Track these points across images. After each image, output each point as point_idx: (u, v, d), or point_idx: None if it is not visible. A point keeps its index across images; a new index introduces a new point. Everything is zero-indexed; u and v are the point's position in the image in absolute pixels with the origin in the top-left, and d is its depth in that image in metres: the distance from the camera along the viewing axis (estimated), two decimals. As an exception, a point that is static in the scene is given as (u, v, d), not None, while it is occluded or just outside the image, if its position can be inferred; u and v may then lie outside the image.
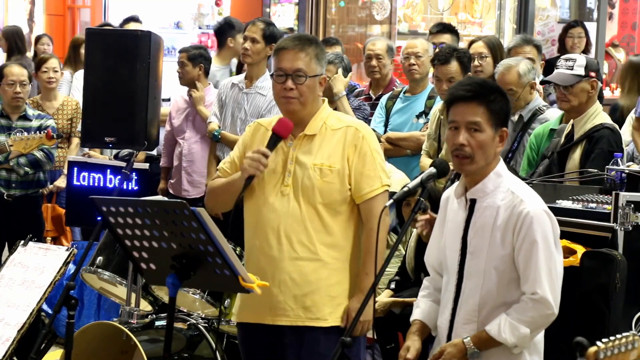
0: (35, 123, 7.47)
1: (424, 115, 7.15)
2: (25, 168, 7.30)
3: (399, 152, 7.29)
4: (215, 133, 7.27)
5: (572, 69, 5.55)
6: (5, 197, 7.29)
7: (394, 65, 8.12)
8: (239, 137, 7.11)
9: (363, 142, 4.29)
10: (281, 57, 4.29)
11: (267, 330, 4.34)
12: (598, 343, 2.32)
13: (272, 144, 4.24)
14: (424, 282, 4.19)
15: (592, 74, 5.55)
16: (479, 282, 3.86)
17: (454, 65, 6.51)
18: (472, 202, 3.91)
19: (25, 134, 6.89)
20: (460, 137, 3.83)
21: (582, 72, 5.54)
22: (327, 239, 4.28)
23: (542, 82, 5.84)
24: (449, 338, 3.97)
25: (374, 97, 7.76)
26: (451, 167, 5.60)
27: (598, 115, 5.60)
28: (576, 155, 5.51)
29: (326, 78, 4.36)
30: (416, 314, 4.11)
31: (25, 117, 7.45)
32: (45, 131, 6.89)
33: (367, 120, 7.22)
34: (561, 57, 5.86)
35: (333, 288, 4.31)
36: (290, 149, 4.31)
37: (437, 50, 7.24)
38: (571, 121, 5.72)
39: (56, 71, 8.34)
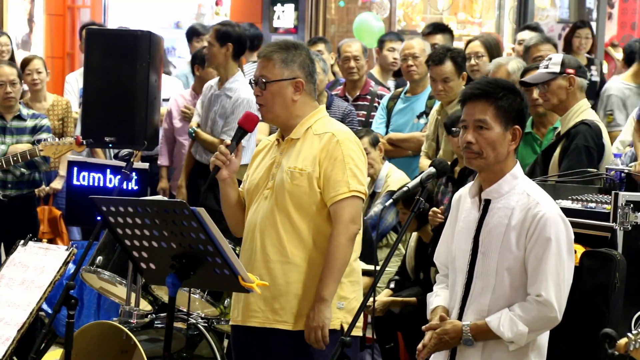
0: (30, 123, 7.46)
1: (424, 115, 7.15)
2: (22, 169, 7.30)
3: (400, 153, 7.30)
4: (190, 131, 7.29)
5: (547, 68, 5.56)
6: (1, 197, 7.30)
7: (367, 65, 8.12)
8: (210, 137, 7.18)
9: (336, 146, 4.26)
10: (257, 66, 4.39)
11: (243, 331, 4.36)
12: (628, 334, 2.37)
13: (236, 135, 4.27)
14: (438, 277, 4.20)
15: (570, 70, 5.53)
16: (491, 282, 3.86)
17: (448, 66, 6.52)
18: (486, 203, 3.92)
19: (57, 139, 6.86)
20: (468, 135, 3.85)
21: (557, 69, 5.53)
22: (298, 242, 4.27)
23: (520, 83, 5.82)
24: None
25: (350, 99, 7.75)
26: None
27: (582, 113, 5.56)
28: (556, 152, 5.52)
29: (303, 82, 4.31)
30: (437, 302, 4.09)
31: (20, 117, 7.45)
32: (75, 137, 6.85)
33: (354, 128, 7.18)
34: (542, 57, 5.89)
35: (303, 292, 4.28)
36: (278, 154, 4.34)
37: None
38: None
39: (40, 72, 8.22)
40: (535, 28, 8.59)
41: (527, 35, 8.07)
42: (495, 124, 3.85)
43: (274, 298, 4.27)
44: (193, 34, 9.67)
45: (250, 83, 4.39)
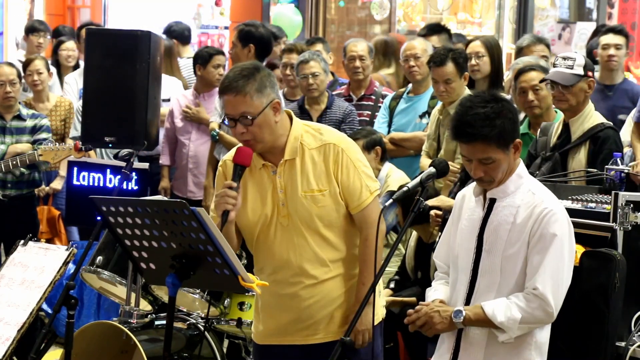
0: (29, 123, 7.47)
1: (427, 115, 7.15)
2: (21, 169, 7.31)
3: (402, 153, 7.30)
4: (214, 133, 7.28)
5: (572, 68, 5.51)
6: (1, 197, 7.30)
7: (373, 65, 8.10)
8: (235, 139, 7.17)
9: (343, 155, 4.22)
10: (225, 103, 4.18)
11: (298, 350, 4.34)
12: None
13: (237, 175, 4.14)
14: (437, 274, 4.22)
15: (590, 73, 5.55)
16: (496, 280, 3.90)
17: (449, 67, 6.51)
18: (491, 202, 3.94)
19: (56, 144, 6.87)
20: (477, 171, 3.88)
21: (581, 71, 5.51)
22: (335, 255, 4.28)
23: (540, 81, 5.81)
24: (458, 335, 4.00)
25: (355, 98, 7.76)
26: (451, 167, 5.63)
27: (593, 115, 5.58)
28: (581, 156, 5.49)
29: (279, 102, 4.19)
30: (436, 295, 4.11)
31: (19, 117, 7.46)
32: (74, 143, 6.85)
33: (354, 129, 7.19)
34: (558, 55, 5.82)
35: (353, 297, 4.30)
36: (276, 177, 4.25)
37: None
38: (560, 120, 5.71)
39: (40, 73, 8.21)
40: (621, 31, 8.23)
41: (612, 39, 7.70)
42: (498, 154, 3.86)
43: (334, 311, 4.29)
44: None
45: (223, 122, 4.27)
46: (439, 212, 5.82)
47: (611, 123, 5.64)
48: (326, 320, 4.29)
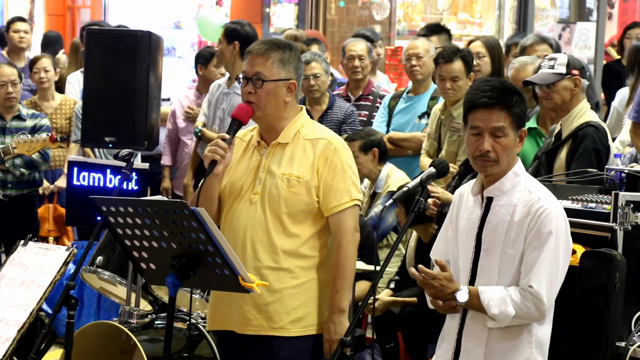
0: (29, 123, 7.49)
1: (426, 116, 7.15)
2: (21, 169, 7.32)
3: (400, 153, 7.31)
4: (196, 130, 7.31)
5: (552, 68, 5.54)
6: (1, 197, 7.31)
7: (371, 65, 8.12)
8: (216, 136, 7.17)
9: (334, 154, 4.22)
10: (246, 62, 4.26)
11: (236, 338, 4.32)
12: None
13: (232, 129, 4.20)
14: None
15: (575, 71, 5.53)
16: (493, 279, 3.91)
17: (457, 64, 6.51)
18: (489, 200, 3.95)
19: (29, 136, 6.89)
20: (485, 143, 3.87)
21: (563, 70, 5.52)
22: (291, 248, 4.22)
23: (524, 83, 5.80)
24: (459, 335, 4.00)
25: (353, 98, 7.76)
26: (451, 169, 5.63)
27: (585, 114, 5.57)
28: (562, 154, 5.52)
29: (296, 85, 4.25)
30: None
31: (19, 117, 7.47)
32: (49, 134, 6.88)
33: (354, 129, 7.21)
34: (545, 57, 5.85)
35: (296, 297, 4.23)
36: (263, 157, 4.26)
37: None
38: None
39: (47, 71, 8.25)
40: None
41: None
42: (510, 130, 3.89)
43: (268, 305, 4.22)
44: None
45: (237, 79, 4.33)
46: (437, 202, 5.81)
47: (598, 121, 5.60)
48: (259, 311, 4.21)
